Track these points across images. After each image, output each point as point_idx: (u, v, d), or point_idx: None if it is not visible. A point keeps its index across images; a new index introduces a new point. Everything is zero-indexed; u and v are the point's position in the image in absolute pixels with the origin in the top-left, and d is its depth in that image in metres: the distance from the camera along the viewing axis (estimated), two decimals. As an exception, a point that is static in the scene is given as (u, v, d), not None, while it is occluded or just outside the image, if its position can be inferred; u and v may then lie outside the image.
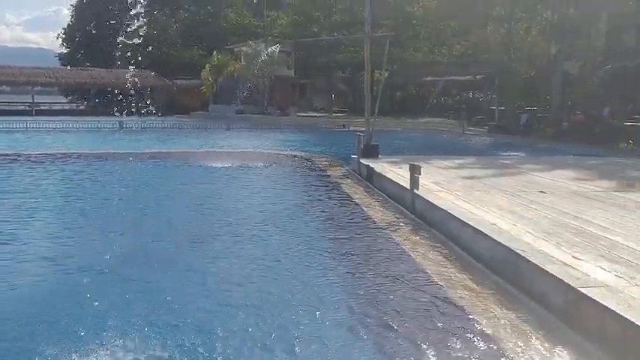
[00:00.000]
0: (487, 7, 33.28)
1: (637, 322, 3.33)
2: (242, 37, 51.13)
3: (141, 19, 62.74)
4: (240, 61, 44.23)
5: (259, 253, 6.15)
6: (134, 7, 63.84)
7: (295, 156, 16.34)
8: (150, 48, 53.43)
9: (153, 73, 47.43)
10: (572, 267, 4.46)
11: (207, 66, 45.02)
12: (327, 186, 11.17)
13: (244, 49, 44.16)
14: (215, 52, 46.21)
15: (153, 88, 46.69)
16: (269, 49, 41.34)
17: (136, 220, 7.61)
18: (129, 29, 63.13)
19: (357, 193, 10.13)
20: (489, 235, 5.59)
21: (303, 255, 6.18)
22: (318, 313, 4.42)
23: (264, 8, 55.23)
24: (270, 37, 48.19)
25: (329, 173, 12.92)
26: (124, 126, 26.44)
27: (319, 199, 9.77)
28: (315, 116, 40.98)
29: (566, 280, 4.12)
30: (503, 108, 28.94)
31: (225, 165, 13.66)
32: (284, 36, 50.07)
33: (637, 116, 24.30)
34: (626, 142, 20.05)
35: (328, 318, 4.34)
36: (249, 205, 8.97)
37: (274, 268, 5.66)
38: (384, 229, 7.31)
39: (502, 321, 4.22)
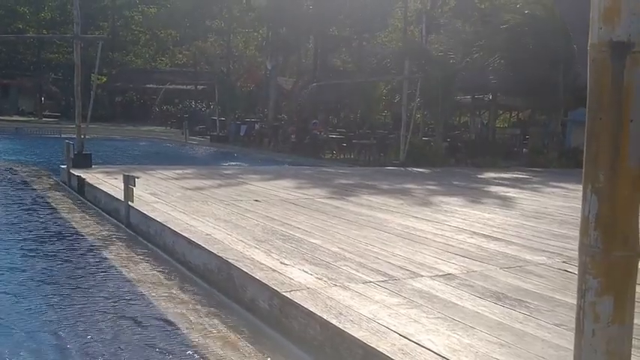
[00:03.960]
0: (207, 18, 34.04)
1: (332, 322, 3.60)
2: None
3: None
4: None
5: None
6: None
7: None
8: None
9: None
10: (278, 272, 4.66)
11: None
12: (29, 200, 9.93)
13: None
14: None
15: None
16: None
17: None
18: None
19: (65, 206, 9.23)
20: (203, 245, 5.55)
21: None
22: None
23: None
24: (-39, 29, 41.68)
25: (34, 186, 11.56)
26: None
27: (20, 216, 8.61)
28: (21, 120, 36.63)
29: (271, 285, 4.28)
30: (224, 119, 29.85)
31: None
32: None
33: (340, 129, 27.41)
34: (330, 152, 22.42)
35: None
36: None
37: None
38: (94, 246, 6.75)
39: (213, 330, 4.19)
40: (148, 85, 46.61)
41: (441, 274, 4.87)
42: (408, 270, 4.93)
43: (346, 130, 26.36)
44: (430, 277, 4.75)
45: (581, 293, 1.97)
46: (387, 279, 4.61)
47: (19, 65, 45.59)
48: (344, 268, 4.89)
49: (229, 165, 17.72)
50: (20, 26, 44.48)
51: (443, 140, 21.41)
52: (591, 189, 1.93)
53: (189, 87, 42.38)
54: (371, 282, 4.50)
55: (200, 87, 39.21)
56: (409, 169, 16.33)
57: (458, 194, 11.07)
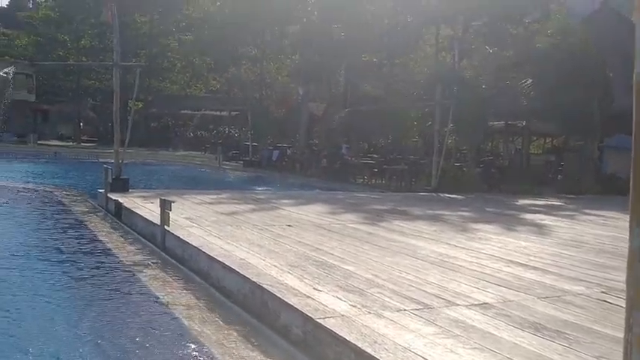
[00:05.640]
0: (240, 45, 34.70)
1: (367, 350, 3.58)
2: (-28, 54, 45.08)
3: None
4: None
5: None
6: None
7: (32, 189, 14.64)
8: None
9: None
10: (312, 298, 4.67)
11: None
12: (68, 223, 10.17)
13: (-27, 68, 38.80)
14: None
15: None
16: (3, 71, 36.97)
17: None
18: None
19: (103, 230, 9.42)
20: (238, 270, 5.60)
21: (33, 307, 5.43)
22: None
23: (1, 26, 49.62)
24: (7, 57, 43.28)
25: (72, 209, 11.83)
26: None
27: (59, 239, 8.82)
28: (60, 145, 37.67)
29: (305, 312, 4.29)
30: (256, 144, 30.19)
31: None
32: (24, 58, 45.43)
33: (371, 155, 27.44)
34: (362, 177, 22.41)
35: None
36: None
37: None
38: (131, 269, 6.86)
39: (245, 356, 4.20)
40: (182, 111, 47.57)
41: (476, 303, 4.80)
42: (442, 298, 4.88)
43: (377, 156, 26.37)
44: (466, 306, 4.69)
45: (629, 327, 1.93)
46: (421, 307, 4.56)
47: (58, 91, 47.03)
48: (378, 295, 4.86)
49: (262, 190, 17.86)
50: (61, 53, 46.02)
51: (476, 166, 21.22)
52: (638, 221, 1.89)
53: (222, 113, 43.07)
54: (405, 310, 4.46)
55: (233, 113, 39.79)
56: (441, 195, 16.20)
57: (492, 221, 10.93)
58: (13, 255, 7.49)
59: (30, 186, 15.42)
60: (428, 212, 11.83)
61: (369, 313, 4.35)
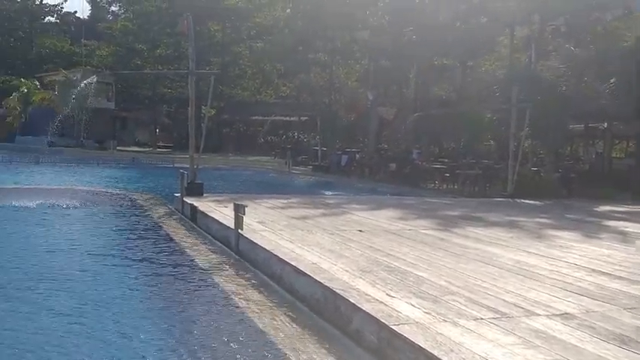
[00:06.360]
0: (310, 52, 35.04)
1: (444, 359, 3.49)
2: (58, 64, 47.81)
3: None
4: (55, 90, 41.18)
5: (57, 310, 5.34)
6: None
7: (112, 193, 15.32)
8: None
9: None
10: (385, 304, 4.61)
11: (14, 94, 41.09)
12: (146, 226, 10.56)
13: (58, 77, 41.25)
14: (23, 80, 42.37)
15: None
16: (86, 80, 39.04)
17: None
18: None
19: (179, 233, 9.72)
20: (310, 274, 5.62)
21: (115, 307, 5.67)
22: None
23: (83, 37, 52.37)
24: (88, 67, 45.67)
25: (149, 213, 12.27)
26: None
27: (136, 241, 9.18)
28: (137, 151, 39.30)
29: (379, 318, 4.24)
30: (325, 149, 30.32)
31: (27, 204, 12.25)
32: (104, 67, 47.78)
33: (442, 159, 26.96)
34: (432, 182, 22.05)
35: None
36: (49, 251, 8.05)
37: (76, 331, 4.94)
38: (207, 271, 7.04)
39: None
40: (253, 117, 48.54)
41: (557, 313, 4.60)
42: (521, 307, 4.70)
43: (449, 160, 25.86)
44: (546, 316, 4.50)
45: None
46: (499, 316, 4.42)
47: (135, 99, 49.07)
48: (453, 303, 4.75)
49: (331, 194, 17.90)
50: (138, 62, 48.04)
51: (554, 171, 20.41)
52: None
53: (292, 118, 43.59)
54: (482, 319, 4.33)
55: (303, 118, 40.19)
56: (518, 200, 15.67)
57: (572, 228, 10.47)
58: (104, 255, 7.90)
59: (111, 190, 16.14)
60: (504, 219, 11.46)
61: (445, 320, 4.25)
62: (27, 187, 14.91)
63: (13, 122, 41.65)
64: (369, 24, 31.50)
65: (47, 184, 15.79)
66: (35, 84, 42.85)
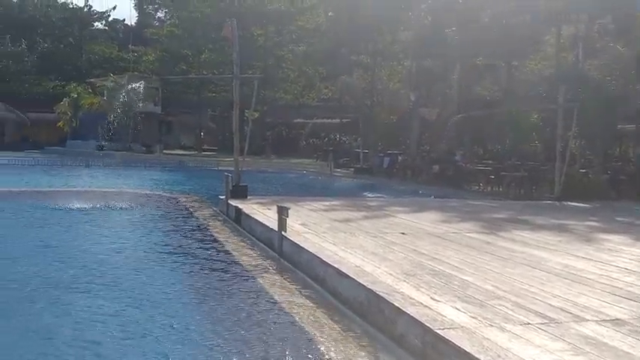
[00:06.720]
0: (352, 54, 35.01)
1: (489, 363, 3.46)
2: (107, 70, 49.18)
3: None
4: (103, 95, 42.41)
5: (107, 310, 5.54)
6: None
7: (159, 196, 15.69)
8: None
9: (2, 105, 43.92)
10: (429, 308, 4.59)
11: (65, 99, 42.50)
12: (192, 228, 10.79)
13: (107, 83, 42.47)
14: (74, 85, 43.78)
15: (3, 122, 43.13)
16: (133, 85, 40.05)
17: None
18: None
19: (224, 235, 9.88)
20: (353, 277, 5.63)
21: (163, 308, 5.82)
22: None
23: (130, 43, 53.71)
24: (136, 73, 46.83)
25: (196, 214, 12.52)
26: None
27: (183, 242, 9.38)
28: (183, 154, 40.06)
29: (424, 322, 4.22)
30: (367, 151, 30.22)
31: (79, 206, 12.68)
32: (151, 72, 48.89)
33: (486, 161, 26.52)
34: (477, 184, 21.72)
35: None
36: (100, 251, 8.31)
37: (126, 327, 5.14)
38: (251, 272, 7.14)
39: (365, 365, 4.22)
40: (296, 120, 48.83)
41: (608, 318, 4.49)
42: (570, 313, 4.61)
43: (493, 162, 25.40)
44: (596, 321, 4.40)
45: None
46: (547, 321, 4.34)
47: (181, 103, 49.99)
48: (499, 307, 4.69)
49: (373, 197, 17.84)
50: (184, 67, 48.97)
51: (603, 173, 19.82)
52: None
53: (334, 120, 43.61)
54: (530, 324, 4.26)
55: (344, 120, 40.16)
56: (565, 203, 15.29)
57: (622, 232, 10.16)
58: (160, 253, 8.22)
59: (158, 192, 16.54)
60: (552, 222, 11.20)
61: (491, 325, 4.20)
62: (79, 189, 15.42)
63: (64, 127, 43.09)
64: (411, 25, 31.25)
65: (98, 186, 16.29)
66: (87, 89, 44.20)
